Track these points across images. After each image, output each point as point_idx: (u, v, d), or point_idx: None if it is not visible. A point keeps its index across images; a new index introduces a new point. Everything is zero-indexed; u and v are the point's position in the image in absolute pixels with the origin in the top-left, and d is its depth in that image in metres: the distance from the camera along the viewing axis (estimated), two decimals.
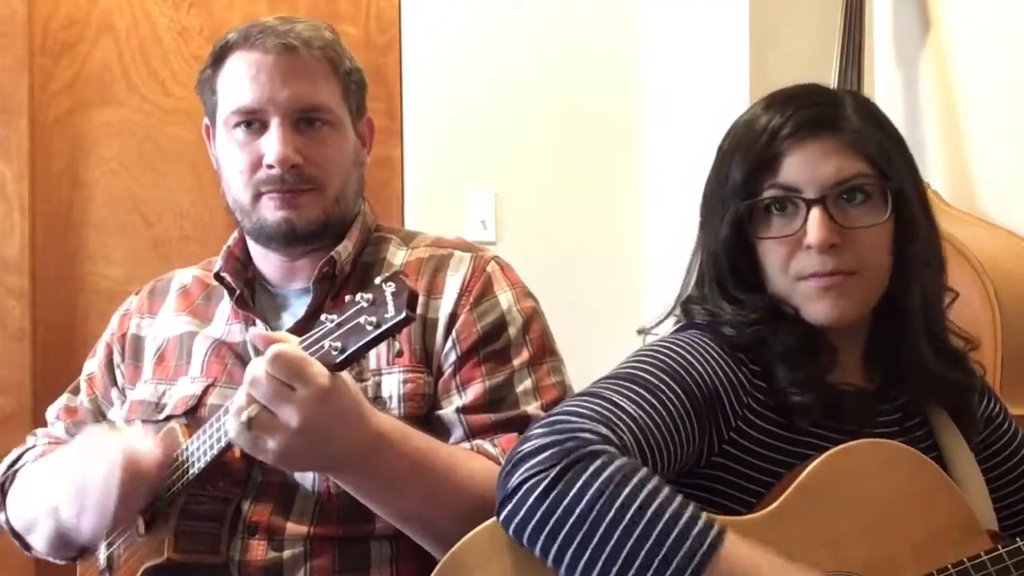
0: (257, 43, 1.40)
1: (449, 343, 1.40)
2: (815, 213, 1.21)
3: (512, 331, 1.41)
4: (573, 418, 1.11)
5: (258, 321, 1.44)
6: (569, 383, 1.45)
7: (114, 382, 1.57)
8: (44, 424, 1.63)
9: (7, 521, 1.53)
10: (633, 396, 1.15)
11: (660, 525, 1.02)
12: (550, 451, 1.07)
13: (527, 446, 1.09)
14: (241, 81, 1.40)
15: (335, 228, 1.45)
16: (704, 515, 1.04)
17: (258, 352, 1.14)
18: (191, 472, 1.29)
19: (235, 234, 1.52)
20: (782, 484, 1.18)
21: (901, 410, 1.31)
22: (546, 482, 1.05)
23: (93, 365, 1.61)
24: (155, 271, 1.76)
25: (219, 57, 1.44)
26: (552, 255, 2.58)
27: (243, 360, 1.43)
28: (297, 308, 1.45)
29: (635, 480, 1.04)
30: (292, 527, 1.35)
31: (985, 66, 2.11)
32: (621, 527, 1.02)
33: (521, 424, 1.35)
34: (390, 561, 1.36)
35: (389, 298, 1.06)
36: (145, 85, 2.48)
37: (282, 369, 1.09)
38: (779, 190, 1.23)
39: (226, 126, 1.43)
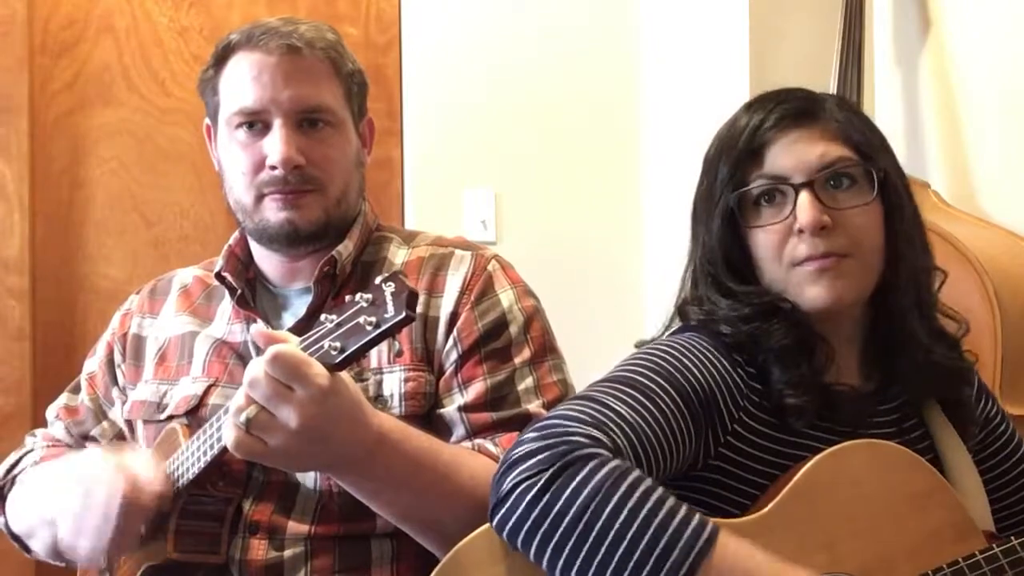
0: (260, 44, 1.40)
1: (450, 342, 1.40)
2: (803, 197, 1.22)
3: (513, 329, 1.41)
4: (566, 422, 1.11)
5: (259, 320, 1.44)
6: (570, 381, 1.45)
7: (115, 381, 1.57)
8: (44, 424, 1.63)
9: (6, 525, 1.53)
10: (628, 399, 1.15)
11: (653, 526, 1.02)
12: (542, 455, 1.07)
13: (519, 450, 1.09)
14: (244, 82, 1.40)
15: (336, 228, 1.45)
16: (697, 515, 1.04)
17: (259, 350, 1.14)
18: (191, 473, 1.29)
19: (236, 234, 1.52)
20: (777, 486, 1.19)
21: (898, 411, 1.31)
22: (538, 486, 1.05)
23: (94, 364, 1.60)
24: (155, 271, 1.76)
25: (221, 58, 1.44)
26: (552, 255, 2.58)
27: (244, 360, 1.43)
28: (298, 308, 1.45)
29: (627, 482, 1.04)
30: (293, 526, 1.35)
31: (985, 66, 2.11)
32: (614, 529, 1.03)
33: (522, 422, 1.35)
34: (391, 560, 1.37)
35: (389, 298, 1.06)
36: (145, 85, 2.47)
37: (281, 370, 1.09)
38: (767, 179, 1.24)
39: (228, 127, 1.43)
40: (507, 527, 1.07)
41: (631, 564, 1.02)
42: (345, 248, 1.44)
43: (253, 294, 1.49)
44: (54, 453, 1.55)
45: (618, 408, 1.14)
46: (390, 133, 2.56)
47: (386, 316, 1.06)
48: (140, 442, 1.50)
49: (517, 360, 1.40)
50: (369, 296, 1.08)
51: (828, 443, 1.20)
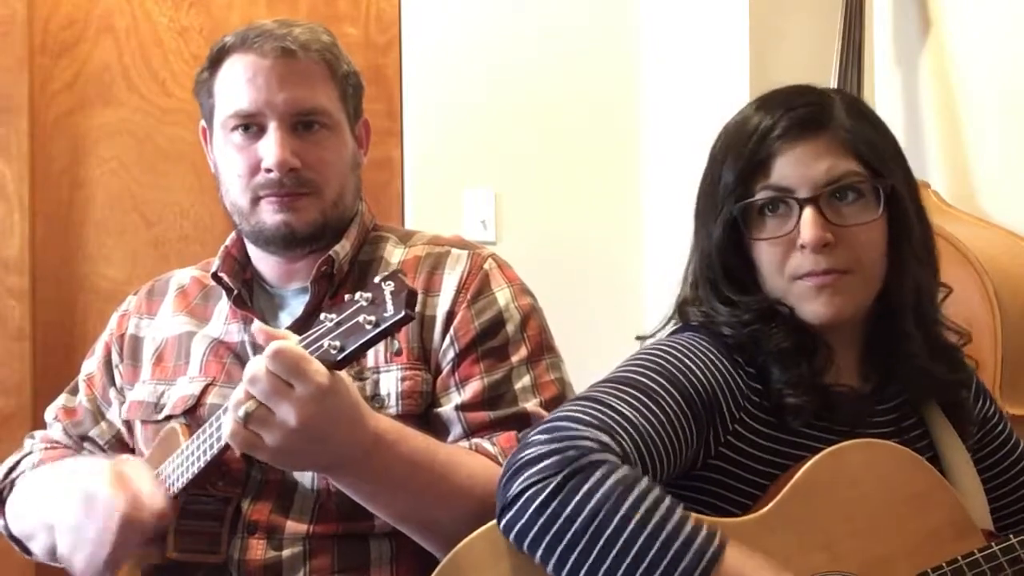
0: (255, 46, 1.40)
1: (447, 340, 1.40)
2: (808, 213, 1.21)
3: (510, 328, 1.41)
4: (574, 425, 1.10)
5: (256, 319, 1.44)
6: (568, 380, 1.45)
7: (112, 382, 1.57)
8: (43, 425, 1.63)
9: (6, 527, 1.53)
10: (632, 401, 1.15)
11: (662, 537, 1.02)
12: (551, 459, 1.07)
13: (528, 453, 1.09)
14: (238, 85, 1.40)
15: (333, 230, 1.45)
16: (705, 527, 1.04)
17: (257, 347, 1.14)
18: (191, 472, 1.29)
19: (233, 234, 1.52)
20: (776, 485, 1.19)
21: (897, 411, 1.31)
22: (547, 491, 1.05)
23: (91, 365, 1.61)
24: (155, 271, 1.76)
25: (216, 60, 1.44)
26: (552, 255, 2.58)
27: (241, 359, 1.43)
28: (295, 308, 1.45)
29: (637, 491, 1.04)
30: (292, 526, 1.35)
31: (985, 66, 2.11)
32: (623, 538, 1.03)
33: (520, 421, 1.36)
34: (390, 560, 1.37)
35: (388, 297, 1.06)
36: (145, 85, 2.47)
37: (281, 366, 1.08)
38: (772, 191, 1.23)
39: (224, 129, 1.43)
40: (514, 530, 1.07)
41: (639, 573, 1.02)
42: (342, 248, 1.44)
43: (250, 294, 1.49)
44: (53, 455, 1.55)
45: (623, 410, 1.13)
46: (390, 133, 2.56)
47: (385, 315, 1.06)
48: (138, 442, 1.50)
49: (514, 358, 1.40)
50: (369, 295, 1.08)
51: (827, 443, 1.20)
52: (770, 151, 1.23)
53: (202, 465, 1.27)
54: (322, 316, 1.11)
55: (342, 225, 1.46)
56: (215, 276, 1.48)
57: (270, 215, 1.41)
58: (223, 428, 1.15)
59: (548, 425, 1.12)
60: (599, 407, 1.13)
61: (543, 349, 1.43)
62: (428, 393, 1.39)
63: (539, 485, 1.06)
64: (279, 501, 1.36)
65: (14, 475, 1.55)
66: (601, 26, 2.66)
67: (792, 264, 1.23)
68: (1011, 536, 1.19)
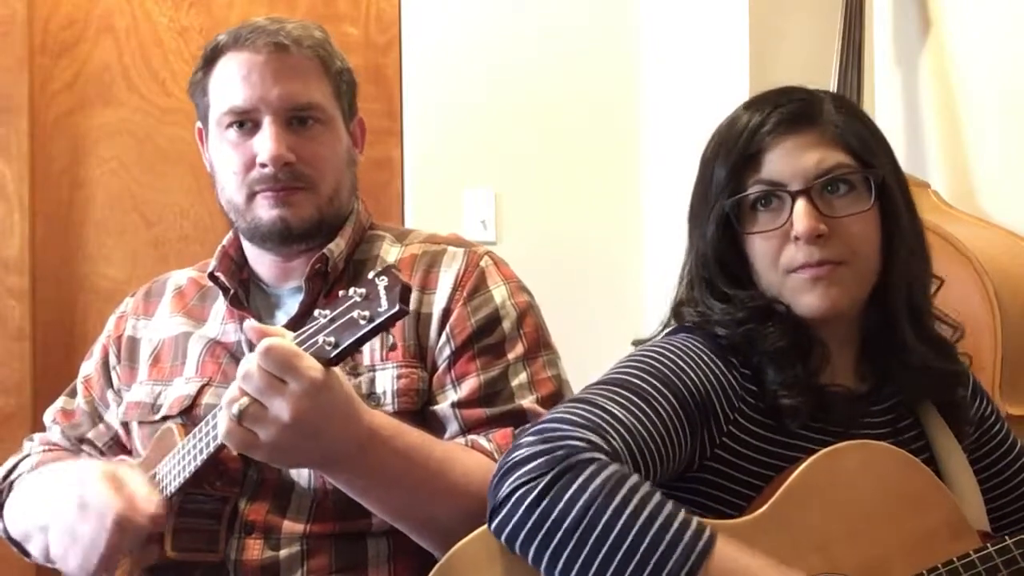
0: (247, 43, 1.40)
1: (443, 338, 1.39)
2: (800, 204, 1.21)
3: (506, 325, 1.41)
4: (563, 426, 1.11)
5: (251, 318, 1.44)
6: (565, 377, 1.45)
7: (110, 384, 1.57)
8: (43, 425, 1.63)
9: (4, 530, 1.53)
10: (624, 402, 1.15)
11: (652, 532, 1.02)
12: (540, 459, 1.07)
13: (517, 454, 1.09)
14: (233, 81, 1.41)
15: (329, 227, 1.45)
16: (695, 520, 1.04)
17: (251, 346, 1.14)
18: (188, 470, 1.29)
19: (230, 234, 1.52)
20: (772, 486, 1.18)
21: (893, 411, 1.31)
22: (537, 490, 1.05)
23: (89, 368, 1.61)
24: (155, 271, 1.76)
25: (210, 59, 1.44)
26: (552, 255, 2.58)
27: (238, 359, 1.42)
28: (291, 307, 1.45)
29: (626, 487, 1.04)
30: (289, 525, 1.35)
31: (985, 66, 2.10)
32: (613, 534, 1.02)
33: (516, 418, 1.36)
34: (387, 559, 1.37)
35: (382, 292, 1.06)
36: (145, 85, 2.48)
37: (273, 362, 1.08)
38: (763, 185, 1.24)
39: (219, 127, 1.43)
40: (505, 531, 1.07)
41: (629, 568, 1.02)
42: (337, 246, 1.44)
43: (247, 294, 1.49)
44: (51, 457, 1.55)
45: (615, 411, 1.13)
46: (390, 133, 2.56)
47: (379, 310, 1.06)
48: (136, 443, 1.50)
49: (511, 356, 1.40)
50: (362, 290, 1.07)
51: (822, 444, 1.20)
52: (760, 146, 1.24)
53: (199, 464, 1.27)
54: (316, 312, 1.11)
55: (338, 222, 1.46)
56: (212, 276, 1.49)
57: (266, 210, 1.41)
58: (219, 427, 1.14)
59: (538, 427, 1.12)
60: (591, 408, 1.13)
61: (540, 346, 1.43)
62: (424, 390, 1.38)
63: (528, 485, 1.06)
64: (276, 501, 1.36)
65: (12, 477, 1.55)
66: (601, 26, 2.66)
67: (786, 257, 1.23)
68: (1007, 537, 1.19)
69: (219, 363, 1.45)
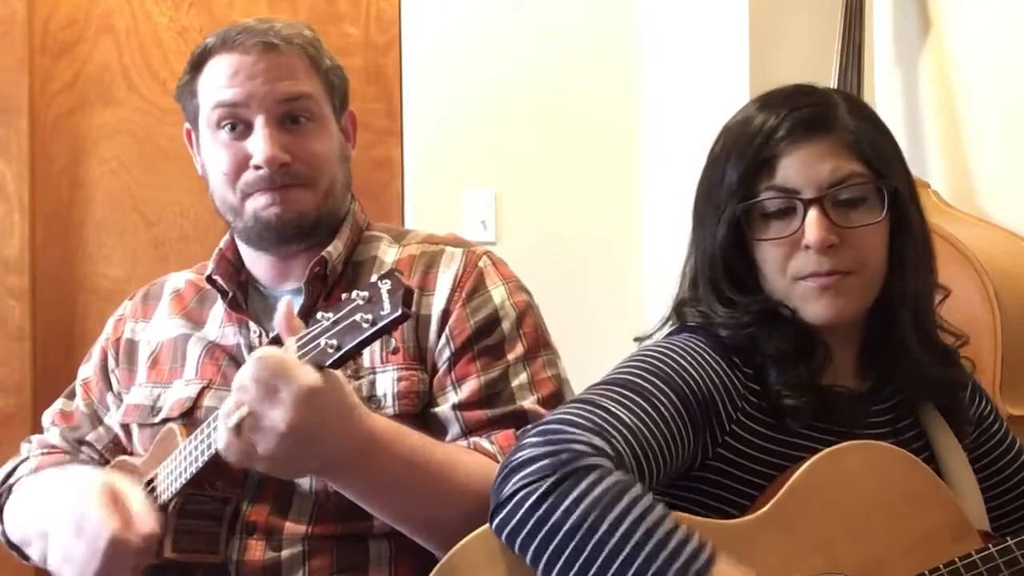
0: (236, 44, 1.40)
1: (443, 339, 1.39)
2: (813, 213, 1.21)
3: (506, 326, 1.41)
4: (568, 428, 1.11)
5: (251, 322, 1.44)
6: (565, 376, 1.45)
7: (109, 387, 1.57)
8: (42, 428, 1.63)
9: (4, 534, 1.53)
10: (627, 403, 1.15)
11: (651, 544, 1.02)
12: (544, 461, 1.07)
13: (521, 455, 1.09)
14: (222, 82, 1.40)
15: (326, 224, 1.44)
16: (696, 536, 1.04)
17: (251, 348, 1.13)
18: (189, 472, 1.28)
19: (227, 237, 1.52)
20: (774, 486, 1.19)
21: (893, 411, 1.31)
22: (539, 493, 1.06)
23: (88, 370, 1.60)
24: (155, 271, 1.76)
25: (198, 63, 1.44)
26: (552, 255, 2.58)
27: (237, 362, 1.42)
28: None
29: (627, 498, 1.05)
30: (290, 527, 1.35)
31: (985, 66, 2.10)
32: (612, 543, 1.03)
33: (517, 419, 1.35)
34: (388, 560, 1.36)
35: (385, 295, 1.06)
36: (145, 85, 2.48)
37: (265, 371, 1.08)
38: (776, 192, 1.23)
39: (210, 128, 1.43)
40: (506, 531, 1.08)
41: None
42: (335, 248, 1.44)
43: (245, 297, 1.49)
44: (50, 460, 1.55)
45: (618, 412, 1.13)
46: (390, 133, 2.56)
47: (382, 313, 1.06)
48: (136, 445, 1.49)
49: (510, 356, 1.40)
50: (365, 294, 1.07)
51: (824, 444, 1.20)
52: (774, 151, 1.23)
53: (200, 465, 1.27)
54: (319, 315, 1.11)
55: (334, 220, 1.46)
56: (210, 279, 1.48)
57: (262, 209, 1.40)
58: (218, 440, 1.14)
59: (542, 428, 1.12)
60: (594, 409, 1.13)
61: (539, 346, 1.43)
62: (425, 393, 1.38)
63: (531, 487, 1.06)
64: (277, 502, 1.36)
65: (11, 481, 1.55)
66: (601, 26, 2.66)
67: (795, 265, 1.23)
68: (1008, 539, 1.19)
69: (218, 365, 1.45)
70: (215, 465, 1.27)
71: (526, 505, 1.06)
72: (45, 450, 1.58)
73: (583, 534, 1.03)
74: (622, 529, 1.03)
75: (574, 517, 1.04)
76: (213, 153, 1.44)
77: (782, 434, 1.23)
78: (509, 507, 1.07)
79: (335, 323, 1.09)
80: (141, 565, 1.34)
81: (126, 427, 1.52)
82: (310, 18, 2.44)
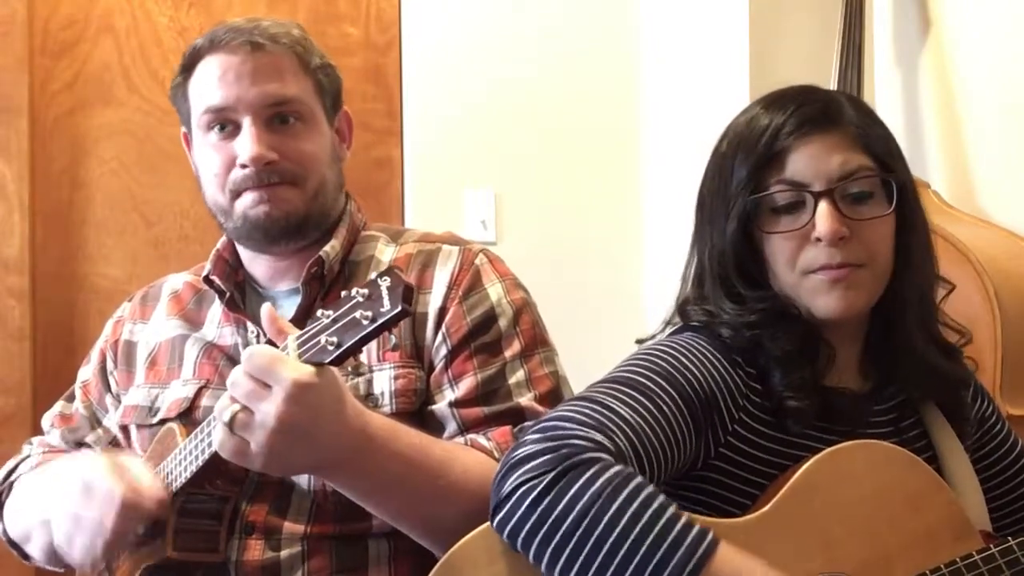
0: (224, 45, 1.40)
1: (439, 337, 1.39)
2: (823, 206, 1.21)
3: (503, 323, 1.41)
4: (568, 424, 1.11)
5: (249, 323, 1.44)
6: (563, 373, 1.45)
7: (108, 388, 1.57)
8: (41, 429, 1.63)
9: (4, 531, 1.53)
10: (629, 401, 1.15)
11: (654, 533, 1.02)
12: (544, 457, 1.07)
13: (522, 451, 1.09)
14: (210, 83, 1.41)
15: (316, 223, 1.44)
16: (698, 524, 1.04)
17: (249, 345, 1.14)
18: (189, 471, 1.29)
19: (223, 238, 1.52)
20: (775, 486, 1.18)
21: (895, 411, 1.31)
22: (540, 488, 1.05)
23: (87, 372, 1.61)
24: (155, 271, 1.76)
25: (189, 65, 1.44)
26: (552, 255, 2.58)
27: (234, 362, 1.42)
28: (287, 309, 1.44)
29: (629, 488, 1.04)
30: (289, 526, 1.35)
31: (985, 66, 2.11)
32: (615, 535, 1.03)
33: (515, 416, 1.35)
34: (388, 560, 1.36)
35: (384, 292, 1.06)
36: (145, 85, 2.47)
37: (256, 367, 1.09)
38: (786, 185, 1.23)
39: (200, 130, 1.43)
40: (507, 528, 1.07)
41: (629, 570, 1.02)
42: (332, 248, 1.44)
43: (243, 297, 1.49)
44: (52, 458, 1.54)
45: (619, 410, 1.13)
46: (390, 133, 2.56)
47: (382, 310, 1.06)
48: (135, 446, 1.49)
49: (507, 353, 1.40)
50: (365, 291, 1.07)
51: (826, 444, 1.20)
52: (783, 146, 1.23)
53: (200, 464, 1.27)
54: (319, 312, 1.11)
55: (326, 219, 1.46)
56: (207, 279, 1.48)
57: (250, 207, 1.40)
58: (214, 436, 1.15)
59: (543, 424, 1.12)
60: (595, 406, 1.13)
61: (536, 343, 1.43)
62: (422, 391, 1.38)
63: (532, 483, 1.06)
64: (276, 502, 1.36)
65: (12, 478, 1.55)
66: (601, 26, 2.66)
67: (805, 258, 1.23)
68: (1009, 539, 1.19)
69: (216, 365, 1.45)
70: (216, 464, 1.28)
71: (527, 501, 1.05)
72: (46, 449, 1.58)
73: (585, 527, 1.03)
74: (625, 519, 1.03)
75: (575, 511, 1.03)
76: (204, 155, 1.44)
77: (784, 433, 1.23)
78: (510, 504, 1.07)
79: (335, 320, 1.09)
80: (143, 561, 1.34)
81: (125, 428, 1.52)
82: (309, 18, 2.44)
